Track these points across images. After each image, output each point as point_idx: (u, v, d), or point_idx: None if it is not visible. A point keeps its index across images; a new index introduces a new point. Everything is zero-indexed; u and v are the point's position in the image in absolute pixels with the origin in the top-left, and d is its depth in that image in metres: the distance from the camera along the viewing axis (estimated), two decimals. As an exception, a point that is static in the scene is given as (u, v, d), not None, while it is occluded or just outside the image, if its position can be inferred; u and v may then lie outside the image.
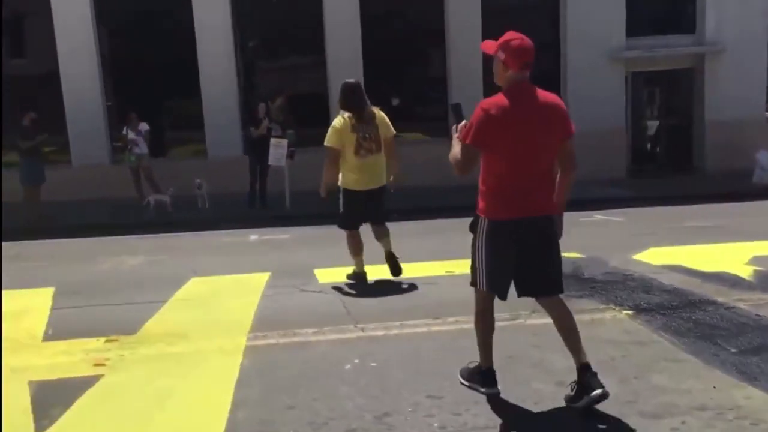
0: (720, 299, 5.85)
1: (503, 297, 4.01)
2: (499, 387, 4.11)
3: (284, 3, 15.18)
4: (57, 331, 5.61)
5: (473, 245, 4.00)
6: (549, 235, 3.93)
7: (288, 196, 12.97)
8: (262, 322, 5.63)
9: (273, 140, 12.70)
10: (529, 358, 4.67)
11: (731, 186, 13.75)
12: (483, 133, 3.73)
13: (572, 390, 3.88)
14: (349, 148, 6.51)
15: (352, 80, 6.78)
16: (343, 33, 14.64)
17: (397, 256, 6.91)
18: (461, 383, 4.23)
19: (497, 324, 4.19)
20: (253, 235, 10.52)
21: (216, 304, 6.39)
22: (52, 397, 4.25)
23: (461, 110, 4.08)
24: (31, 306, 6.46)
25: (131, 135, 13.63)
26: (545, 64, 15.08)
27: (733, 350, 4.65)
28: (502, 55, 3.81)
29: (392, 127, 6.75)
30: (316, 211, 11.52)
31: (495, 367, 4.18)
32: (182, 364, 4.78)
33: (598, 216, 11.00)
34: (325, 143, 6.61)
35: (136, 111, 13.59)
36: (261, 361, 4.76)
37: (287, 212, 12.66)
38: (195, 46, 14.61)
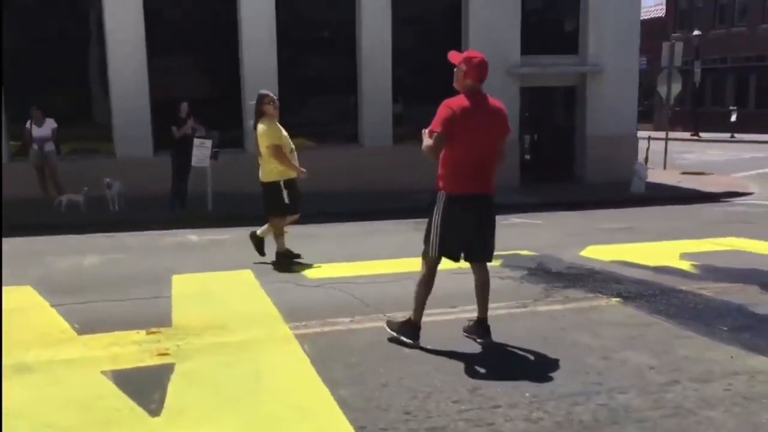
0: (684, 288, 6.75)
1: (456, 259, 5.10)
2: (552, 357, 4.83)
3: (200, 3, 15.06)
4: (85, 325, 5.53)
5: (430, 219, 5.01)
6: (491, 211, 5.09)
7: (210, 198, 12.89)
8: (290, 314, 5.84)
9: (197, 140, 12.60)
10: (563, 339, 5.25)
11: (614, 194, 15.20)
12: (450, 123, 4.77)
13: (471, 323, 5.25)
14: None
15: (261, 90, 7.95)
16: (258, 35, 14.73)
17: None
18: (389, 331, 5.17)
19: (511, 311, 5.37)
20: (193, 236, 10.45)
21: (224, 298, 6.49)
22: (140, 384, 4.31)
23: None
24: (23, 304, 6.26)
25: (36, 132, 13.00)
26: (451, 77, 15.96)
27: (725, 328, 5.49)
28: (464, 67, 4.93)
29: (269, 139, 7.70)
30: (238, 212, 11.71)
31: (534, 347, 5.04)
32: (246, 352, 4.94)
33: (516, 219, 11.87)
34: (276, 142, 7.68)
35: (41, 107, 12.98)
36: (323, 347, 5.02)
37: (209, 214, 12.59)
38: (105, 44, 14.15)
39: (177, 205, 12.84)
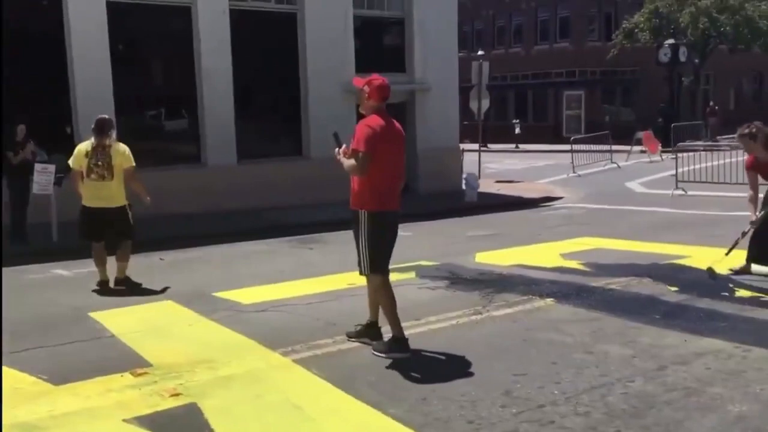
0: (594, 284, 7.54)
1: (385, 272, 5.41)
2: (543, 356, 5.27)
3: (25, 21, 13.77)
4: (52, 375, 5.00)
5: (357, 239, 5.31)
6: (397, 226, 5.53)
7: (55, 228, 11.86)
8: (267, 341, 5.70)
9: (38, 166, 11.56)
10: (538, 339, 5.70)
11: (452, 204, 16.22)
12: (373, 142, 5.09)
13: (361, 328, 5.58)
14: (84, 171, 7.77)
15: (101, 116, 8.00)
16: (90, 53, 13.81)
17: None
18: (377, 356, 5.27)
19: (470, 319, 5.99)
20: (62, 270, 9.60)
21: (180, 332, 6.16)
22: (180, 428, 4.07)
23: (339, 137, 5.49)
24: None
25: None
26: (290, 93, 16.14)
27: (657, 317, 6.26)
28: (367, 89, 5.33)
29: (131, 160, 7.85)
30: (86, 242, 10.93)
31: (520, 349, 5.47)
32: (260, 382, 4.82)
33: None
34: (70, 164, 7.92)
35: None
36: (332, 370, 5.02)
37: (55, 246, 11.58)
38: None
39: (17, 238, 11.65)
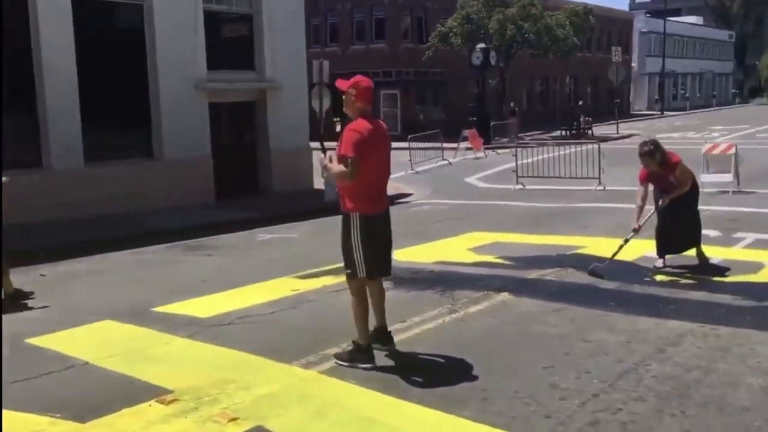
0: (532, 277, 7.97)
1: (387, 273, 5.46)
2: (549, 349, 5.52)
3: None
4: (68, 412, 4.41)
5: (346, 242, 5.24)
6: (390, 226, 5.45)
7: None
8: (273, 354, 5.45)
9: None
10: (531, 332, 5.99)
11: (312, 203, 16.17)
12: (362, 146, 5.04)
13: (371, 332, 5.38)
14: None
15: None
16: None
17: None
18: (340, 365, 5.18)
19: (453, 317, 6.17)
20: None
21: (164, 353, 5.69)
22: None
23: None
24: None
25: None
26: (140, 91, 15.18)
27: (612, 303, 6.80)
28: (353, 92, 5.20)
29: None
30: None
31: (523, 344, 5.69)
32: (309, 399, 4.63)
33: (265, 236, 11.99)
34: None
35: None
36: (367, 378, 4.93)
37: None
38: None
39: None
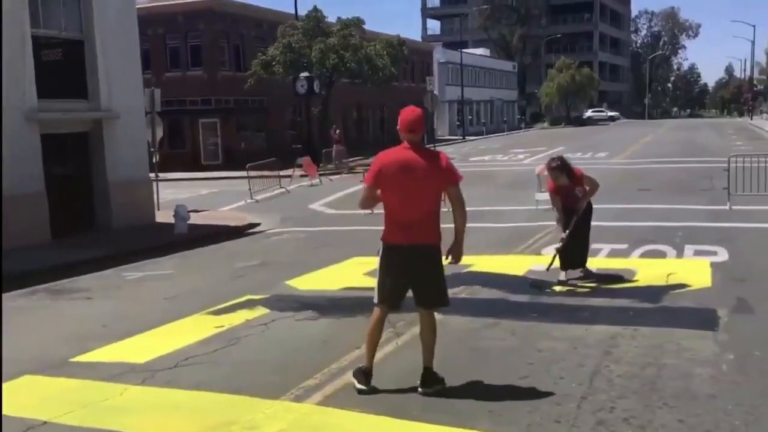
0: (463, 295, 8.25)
1: (392, 308, 5.35)
2: (543, 357, 5.84)
3: None
4: None
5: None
6: (433, 259, 5.23)
7: None
8: (245, 391, 5.26)
9: None
10: (489, 344, 6.28)
11: (161, 237, 15.49)
12: (376, 173, 5.13)
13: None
14: None
15: None
16: None
17: None
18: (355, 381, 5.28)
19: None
20: None
21: (120, 403, 5.26)
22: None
23: None
24: None
25: None
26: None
27: (535, 314, 7.31)
28: (399, 122, 5.26)
29: None
30: None
31: (513, 360, 6.00)
32: None
33: (137, 273, 11.31)
34: None
35: None
36: (374, 402, 4.92)
37: None
38: None
39: None
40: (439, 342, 6.25)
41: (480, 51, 69.81)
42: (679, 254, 10.28)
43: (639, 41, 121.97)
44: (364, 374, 5.27)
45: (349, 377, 5.46)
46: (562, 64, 73.18)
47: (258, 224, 17.39)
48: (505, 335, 6.61)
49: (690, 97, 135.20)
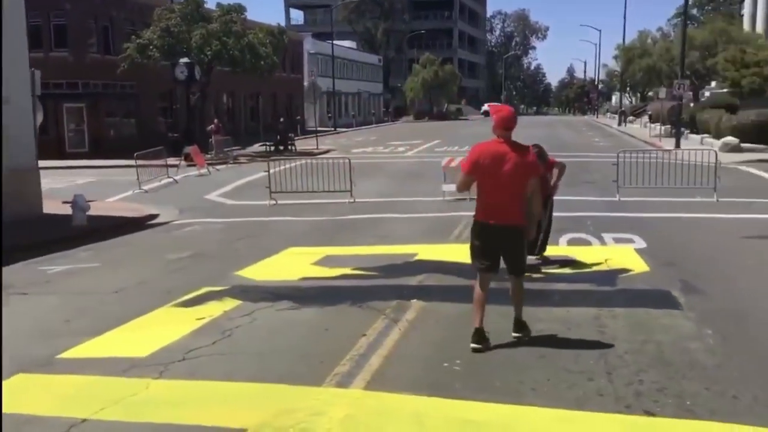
0: (414, 284, 8.44)
1: (490, 270, 6.22)
2: (547, 341, 6.20)
3: None
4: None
5: None
6: (517, 237, 6.10)
7: None
8: (274, 380, 5.19)
9: None
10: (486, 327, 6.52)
11: (59, 230, 14.54)
12: (470, 163, 6.02)
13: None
14: None
15: None
16: None
17: None
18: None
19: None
20: None
21: (141, 398, 4.99)
22: None
23: None
24: None
25: None
26: None
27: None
28: (494, 117, 6.10)
29: None
30: None
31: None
32: (393, 414, 4.59)
33: (59, 268, 10.58)
34: None
35: None
36: (428, 383, 5.02)
37: None
38: None
39: None
40: (449, 326, 6.48)
41: (347, 43, 70.23)
42: (602, 242, 11.03)
43: (493, 41, 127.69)
44: (477, 334, 5.95)
45: (376, 364, 5.54)
46: (426, 60, 75.10)
47: (157, 215, 16.68)
48: (497, 318, 6.86)
49: (536, 96, 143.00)
